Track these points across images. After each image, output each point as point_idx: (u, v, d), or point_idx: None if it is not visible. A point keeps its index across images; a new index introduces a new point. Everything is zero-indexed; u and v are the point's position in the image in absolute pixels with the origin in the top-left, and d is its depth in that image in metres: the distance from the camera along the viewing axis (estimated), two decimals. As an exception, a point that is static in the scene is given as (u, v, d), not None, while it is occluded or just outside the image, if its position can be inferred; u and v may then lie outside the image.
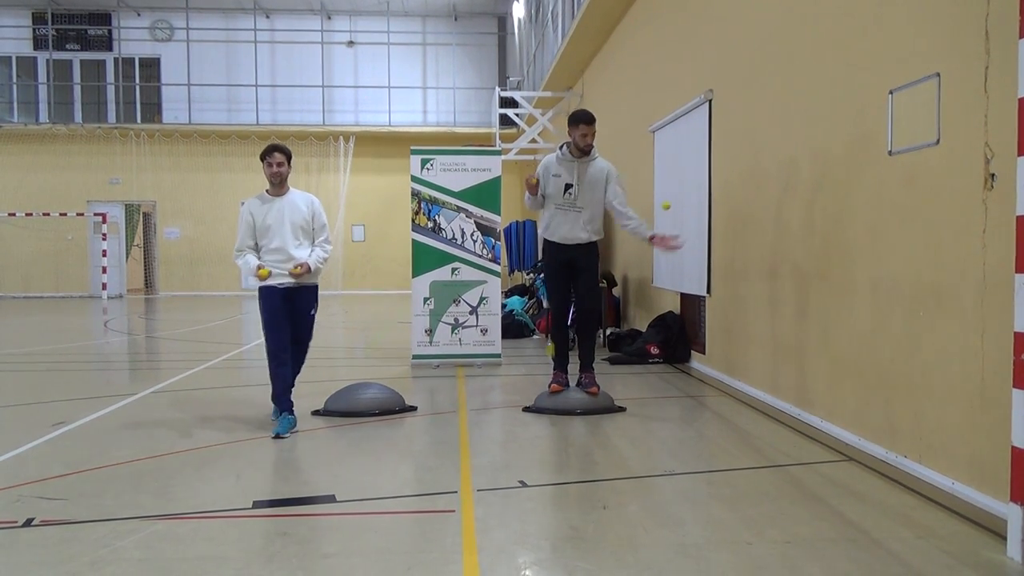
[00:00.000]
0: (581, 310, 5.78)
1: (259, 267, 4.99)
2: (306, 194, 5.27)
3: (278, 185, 5.11)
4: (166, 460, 4.34)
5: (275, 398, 5.08)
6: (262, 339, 5.21)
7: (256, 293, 5.17)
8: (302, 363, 5.40)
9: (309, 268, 5.03)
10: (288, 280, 5.04)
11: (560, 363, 5.78)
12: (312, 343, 5.43)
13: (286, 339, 5.09)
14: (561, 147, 5.62)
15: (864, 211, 4.42)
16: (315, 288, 5.27)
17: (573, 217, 5.55)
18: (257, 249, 5.11)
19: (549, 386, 5.68)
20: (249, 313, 15.23)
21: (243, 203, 5.26)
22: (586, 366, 5.71)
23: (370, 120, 20.99)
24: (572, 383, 5.77)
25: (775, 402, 5.66)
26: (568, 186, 5.50)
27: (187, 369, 7.71)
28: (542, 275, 11.89)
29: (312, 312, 5.26)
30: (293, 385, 5.15)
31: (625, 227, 5.66)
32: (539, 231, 5.83)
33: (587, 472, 4.16)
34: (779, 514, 3.41)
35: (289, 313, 5.11)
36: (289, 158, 5.11)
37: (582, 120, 5.45)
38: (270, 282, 5.04)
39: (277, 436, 4.77)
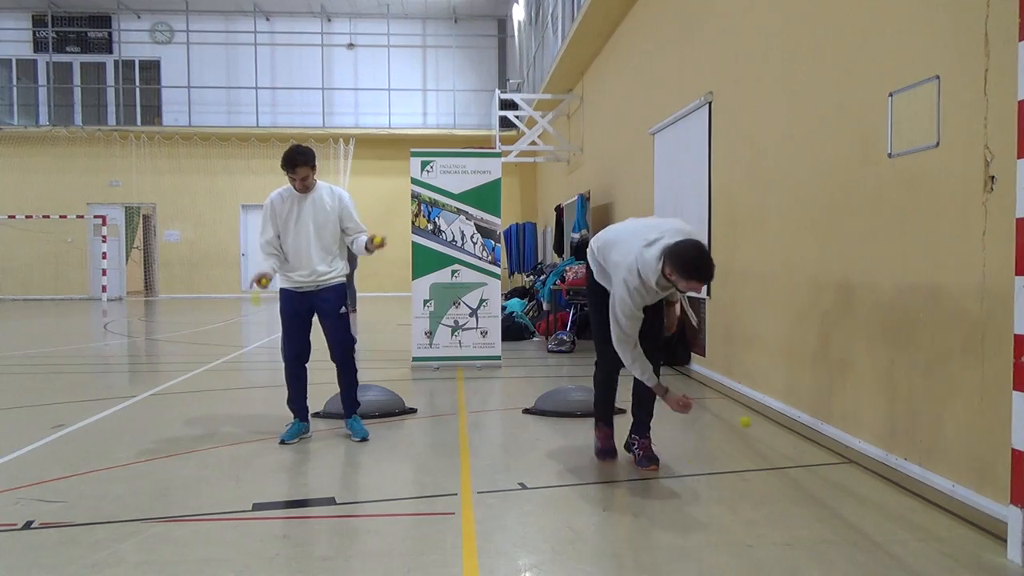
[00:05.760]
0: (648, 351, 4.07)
1: (260, 276, 4.61)
2: (333, 187, 4.88)
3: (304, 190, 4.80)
4: (166, 462, 4.34)
5: (288, 403, 4.95)
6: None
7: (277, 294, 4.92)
8: (349, 370, 4.95)
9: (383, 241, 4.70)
10: (303, 284, 4.79)
11: (607, 417, 4.48)
12: (318, 344, 4.89)
13: (301, 348, 4.85)
14: (657, 281, 3.78)
15: (864, 213, 4.42)
16: (339, 286, 4.88)
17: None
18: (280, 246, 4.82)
19: (596, 453, 4.47)
20: (249, 315, 15.23)
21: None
22: (642, 426, 4.36)
23: (370, 122, 20.99)
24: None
25: (775, 404, 5.66)
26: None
27: (187, 372, 7.70)
28: (543, 278, 11.90)
29: (342, 311, 4.90)
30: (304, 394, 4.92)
31: None
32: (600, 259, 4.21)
33: (587, 474, 4.15)
34: (779, 516, 3.41)
35: (308, 319, 4.86)
36: (314, 166, 4.72)
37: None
38: (284, 284, 4.81)
39: (282, 442, 4.75)
